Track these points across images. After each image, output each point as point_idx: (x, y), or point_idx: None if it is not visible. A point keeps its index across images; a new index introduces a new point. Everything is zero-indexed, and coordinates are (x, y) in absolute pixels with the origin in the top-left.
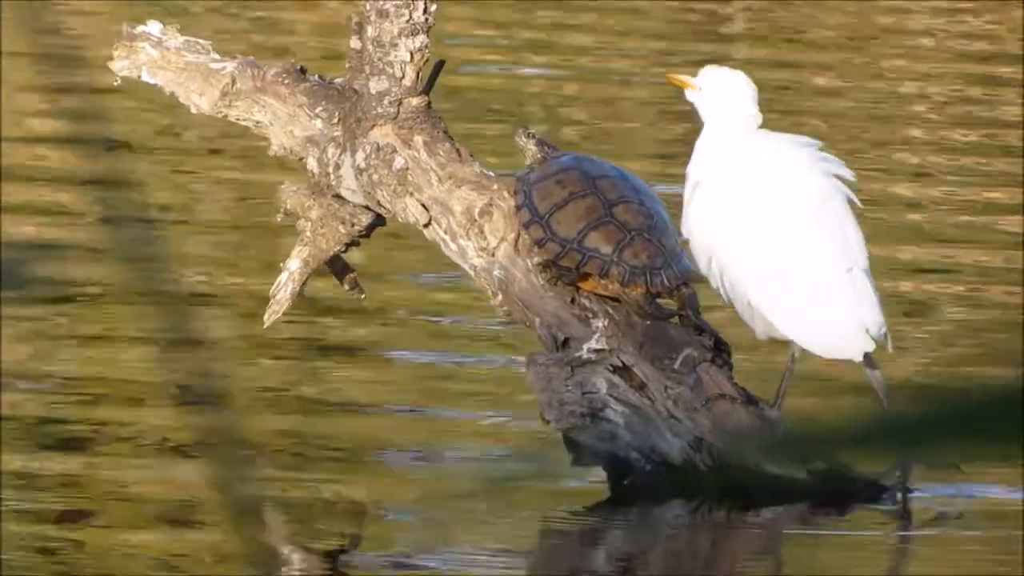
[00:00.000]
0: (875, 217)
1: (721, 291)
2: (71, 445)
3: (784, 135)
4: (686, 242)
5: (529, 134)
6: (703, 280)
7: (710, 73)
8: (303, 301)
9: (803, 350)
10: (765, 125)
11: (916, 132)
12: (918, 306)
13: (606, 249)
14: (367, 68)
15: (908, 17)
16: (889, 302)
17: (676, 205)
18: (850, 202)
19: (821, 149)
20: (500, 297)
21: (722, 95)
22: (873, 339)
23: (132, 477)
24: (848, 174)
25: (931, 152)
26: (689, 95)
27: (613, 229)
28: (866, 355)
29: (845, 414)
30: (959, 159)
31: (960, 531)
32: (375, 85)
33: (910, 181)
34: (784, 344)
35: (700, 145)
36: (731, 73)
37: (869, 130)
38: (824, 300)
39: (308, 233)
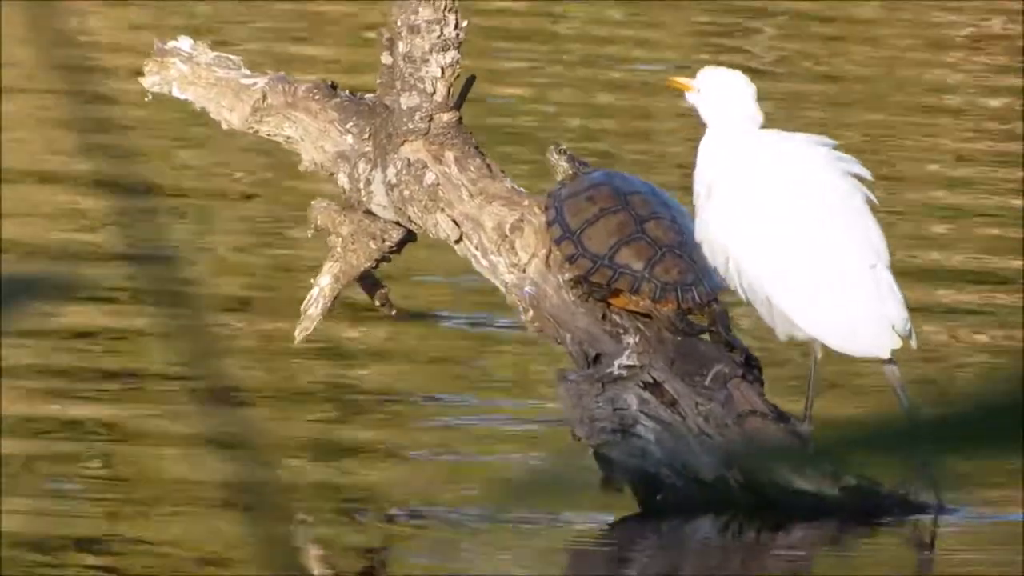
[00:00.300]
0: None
1: (740, 292)
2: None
3: (799, 134)
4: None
5: (560, 150)
6: (734, 296)
7: (708, 74)
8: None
9: (823, 353)
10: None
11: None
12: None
13: (637, 265)
14: (398, 84)
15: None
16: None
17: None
18: (868, 201)
19: (836, 148)
20: (531, 313)
21: (721, 95)
22: (899, 336)
23: (165, 527)
24: (865, 172)
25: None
26: (689, 97)
27: (644, 245)
28: None
29: (872, 421)
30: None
31: (992, 548)
32: (406, 101)
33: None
34: (805, 349)
35: (704, 148)
36: (729, 73)
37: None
38: (848, 297)
39: (339, 249)
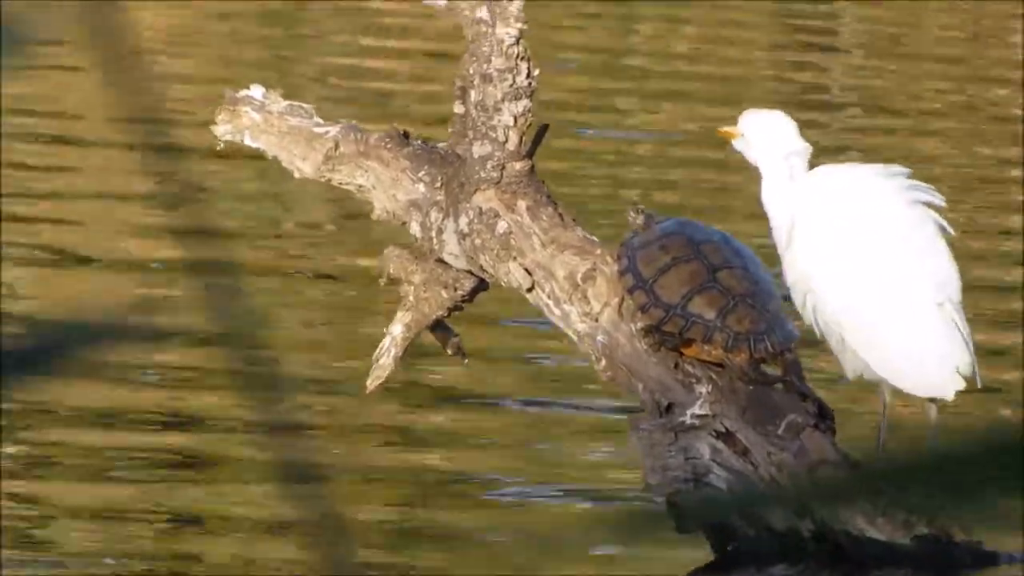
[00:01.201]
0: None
1: (815, 328)
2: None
3: (869, 166)
4: (788, 299)
5: (639, 210)
6: (813, 342)
7: (749, 117)
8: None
9: (893, 396)
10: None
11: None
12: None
13: (710, 315)
14: (470, 132)
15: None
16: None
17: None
18: (943, 230)
19: (909, 177)
20: (604, 362)
21: (765, 136)
22: (963, 377)
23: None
24: (938, 200)
25: None
26: (736, 145)
27: (717, 294)
28: None
29: (934, 460)
30: None
31: None
32: (478, 149)
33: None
34: (874, 390)
35: (771, 196)
36: (769, 113)
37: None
38: (914, 336)
39: (411, 298)
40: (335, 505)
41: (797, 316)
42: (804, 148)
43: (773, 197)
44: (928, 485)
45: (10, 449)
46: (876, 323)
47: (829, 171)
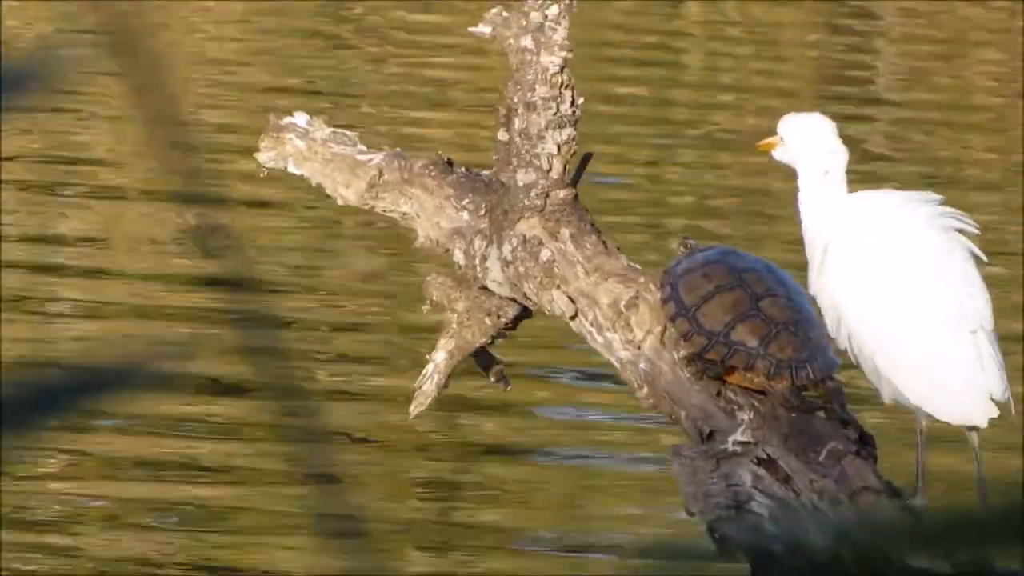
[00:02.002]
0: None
1: (849, 352)
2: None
3: (904, 192)
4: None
5: (686, 243)
6: (852, 367)
7: (789, 121)
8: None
9: (928, 422)
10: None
11: None
12: None
13: (752, 342)
14: (514, 160)
15: None
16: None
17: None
18: (976, 257)
19: (943, 204)
20: (646, 390)
21: (805, 140)
22: (997, 405)
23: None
24: (971, 227)
25: None
26: (776, 154)
27: (759, 323)
28: None
29: (989, 503)
30: None
31: None
32: (522, 177)
33: None
34: (912, 416)
35: (808, 210)
36: (809, 116)
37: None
38: (948, 365)
39: (454, 325)
40: (370, 558)
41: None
42: (843, 152)
43: (810, 210)
44: (988, 542)
45: (34, 499)
46: (908, 350)
47: (864, 197)
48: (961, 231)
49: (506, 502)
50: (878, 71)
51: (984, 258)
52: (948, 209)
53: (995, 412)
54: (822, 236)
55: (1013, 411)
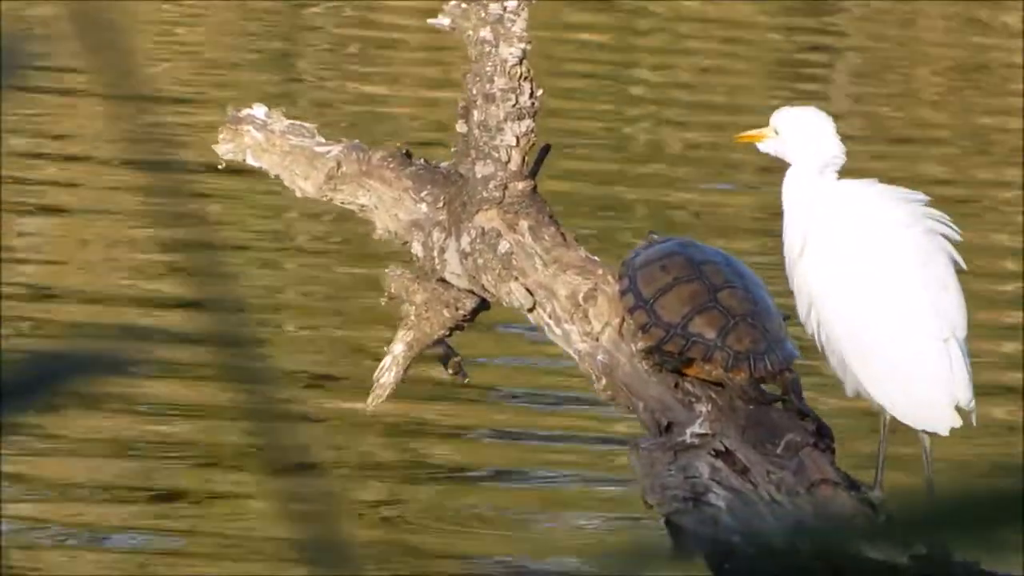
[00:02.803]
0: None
1: (816, 341)
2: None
3: (889, 188)
4: (788, 318)
5: (651, 239)
6: (812, 359)
7: (785, 115)
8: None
9: (893, 418)
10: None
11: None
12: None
13: (710, 334)
14: (473, 152)
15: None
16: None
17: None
18: (955, 263)
19: (927, 204)
20: (604, 381)
21: (804, 135)
22: (961, 414)
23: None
24: (953, 232)
25: None
26: (764, 146)
27: (717, 314)
28: None
29: (946, 495)
30: None
31: None
32: (481, 169)
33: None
34: (875, 412)
35: (792, 197)
36: (807, 111)
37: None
38: (917, 370)
39: (412, 317)
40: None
41: (799, 337)
42: (841, 149)
43: (795, 198)
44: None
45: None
46: (877, 349)
47: (850, 189)
48: (944, 236)
49: (461, 526)
50: (834, 70)
51: (963, 265)
52: (933, 211)
53: (958, 422)
54: (805, 220)
55: (975, 422)
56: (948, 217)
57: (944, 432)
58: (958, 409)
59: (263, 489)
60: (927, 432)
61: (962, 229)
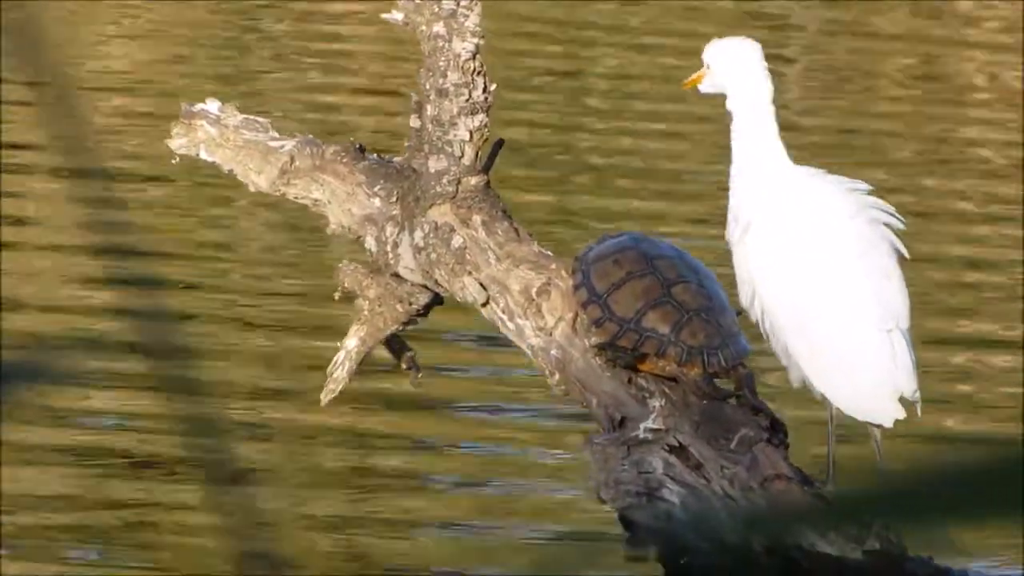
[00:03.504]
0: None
1: (761, 329)
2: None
3: (834, 177)
4: (741, 313)
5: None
6: (766, 355)
7: (715, 47)
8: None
9: (840, 411)
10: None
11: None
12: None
13: (664, 329)
14: (426, 147)
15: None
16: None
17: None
18: (899, 253)
19: (870, 194)
20: (557, 376)
21: (733, 65)
22: (906, 404)
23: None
24: (897, 222)
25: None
26: (703, 87)
27: (671, 309)
28: None
29: (893, 483)
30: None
31: None
32: (434, 164)
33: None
34: (820, 402)
35: (738, 180)
36: (736, 40)
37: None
38: (860, 361)
39: (366, 312)
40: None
41: (750, 331)
42: (768, 80)
43: (741, 188)
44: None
45: None
46: (820, 340)
47: (794, 177)
48: (888, 225)
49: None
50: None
51: (907, 254)
52: (877, 200)
53: (902, 414)
54: (749, 203)
55: (919, 413)
56: (891, 208)
57: (888, 424)
58: (902, 401)
59: (208, 500)
60: (875, 425)
61: (914, 239)
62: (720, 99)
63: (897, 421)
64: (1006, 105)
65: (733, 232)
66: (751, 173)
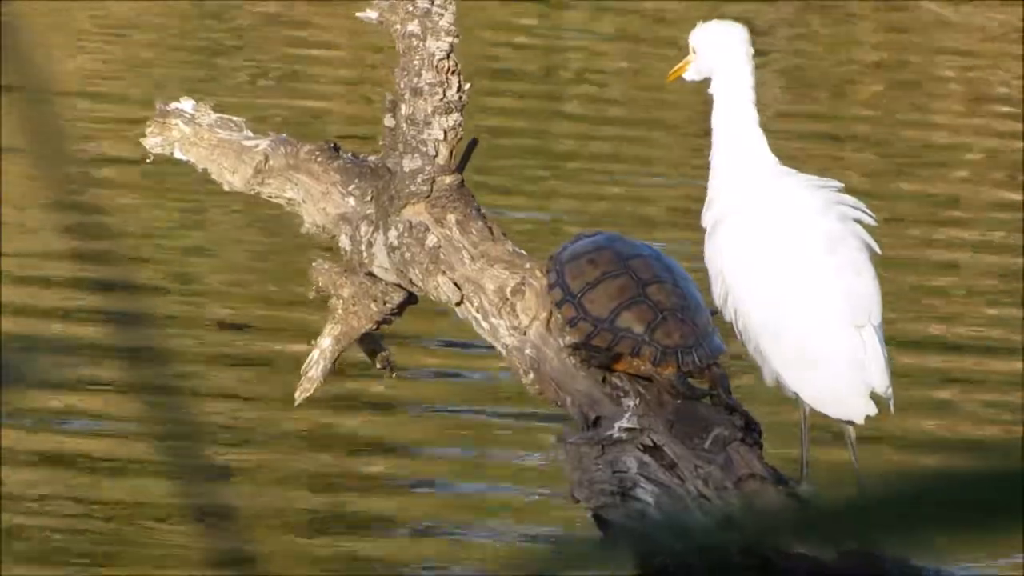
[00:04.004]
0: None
1: (735, 328)
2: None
3: (805, 176)
4: (716, 313)
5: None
6: (740, 356)
7: (700, 30)
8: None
9: (813, 410)
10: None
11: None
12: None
13: (638, 329)
14: (400, 146)
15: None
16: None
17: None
18: (870, 249)
19: (841, 191)
20: (531, 376)
21: (717, 47)
22: (879, 401)
23: None
24: (868, 218)
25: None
26: (689, 74)
27: (646, 309)
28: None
29: (873, 490)
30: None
31: None
32: (408, 163)
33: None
34: (794, 401)
35: (715, 174)
36: (719, 23)
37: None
38: (829, 358)
39: (340, 311)
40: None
41: (725, 330)
42: (748, 65)
43: (716, 181)
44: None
45: None
46: (790, 337)
47: (768, 172)
48: (859, 221)
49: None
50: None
51: (878, 250)
52: (847, 198)
53: (873, 410)
54: (716, 208)
55: (892, 408)
56: (862, 203)
57: (859, 420)
58: (874, 397)
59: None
60: (849, 423)
61: (889, 240)
62: (701, 97)
63: (871, 421)
64: (975, 109)
65: (706, 219)
66: (729, 160)
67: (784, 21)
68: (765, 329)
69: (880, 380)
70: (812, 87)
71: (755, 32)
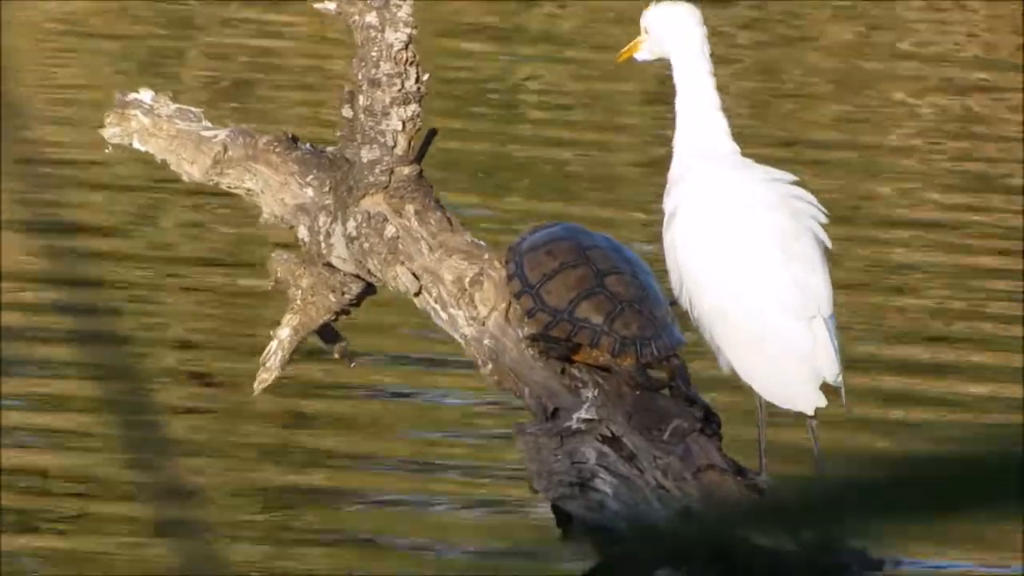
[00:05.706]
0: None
1: (690, 317)
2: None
3: (761, 167)
4: (675, 303)
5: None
6: (701, 350)
7: (653, 12)
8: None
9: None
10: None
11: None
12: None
13: (597, 319)
14: (359, 137)
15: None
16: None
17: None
18: (822, 243)
19: (795, 184)
20: (490, 366)
21: (671, 27)
22: (829, 392)
23: None
24: (820, 213)
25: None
26: (641, 55)
27: (604, 299)
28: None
29: (830, 482)
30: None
31: None
32: (367, 154)
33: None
34: (749, 391)
35: (675, 166)
36: (672, 4)
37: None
38: (781, 349)
39: (298, 301)
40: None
41: (684, 320)
42: (702, 44)
43: (676, 174)
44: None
45: None
46: (742, 329)
47: (725, 161)
48: (811, 216)
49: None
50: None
51: (830, 245)
52: (800, 191)
53: (823, 402)
54: (674, 199)
55: (845, 400)
56: (814, 199)
57: (809, 411)
58: (824, 388)
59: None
60: (812, 417)
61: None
62: (663, 100)
63: (820, 410)
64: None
65: (667, 204)
66: (690, 146)
67: (740, 22)
68: (717, 319)
69: (830, 370)
70: (767, 90)
71: (716, 34)
